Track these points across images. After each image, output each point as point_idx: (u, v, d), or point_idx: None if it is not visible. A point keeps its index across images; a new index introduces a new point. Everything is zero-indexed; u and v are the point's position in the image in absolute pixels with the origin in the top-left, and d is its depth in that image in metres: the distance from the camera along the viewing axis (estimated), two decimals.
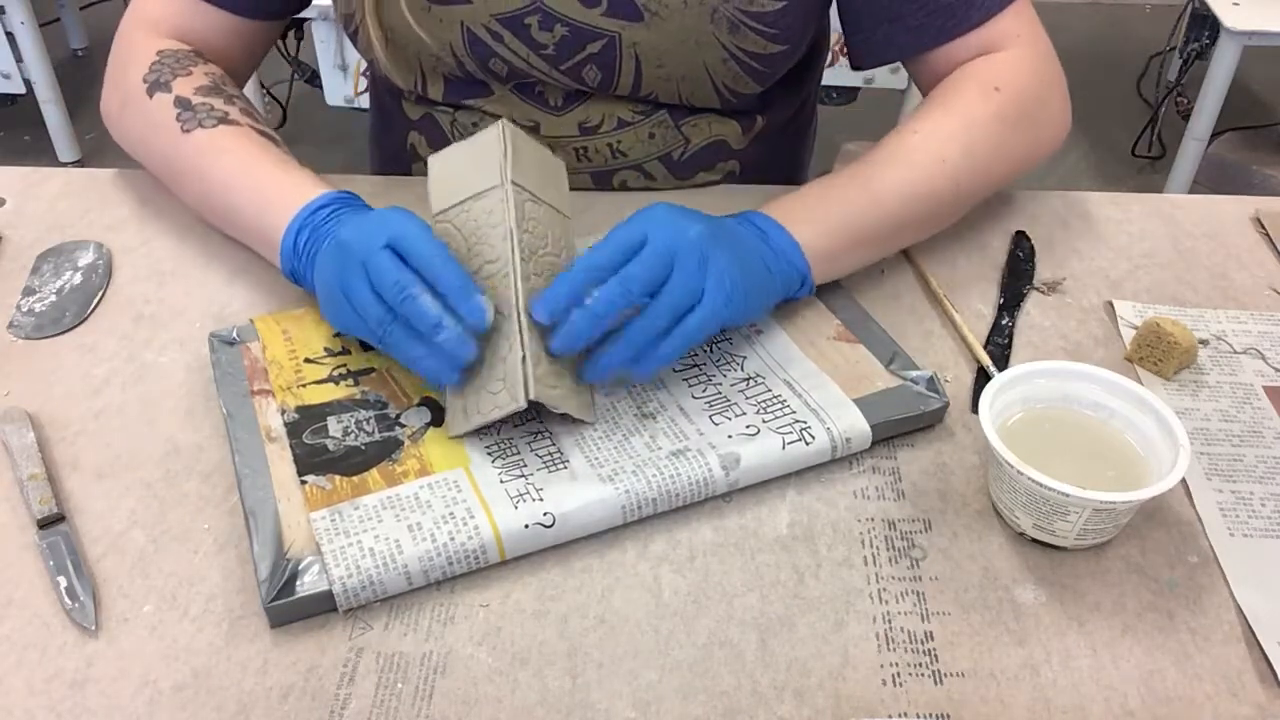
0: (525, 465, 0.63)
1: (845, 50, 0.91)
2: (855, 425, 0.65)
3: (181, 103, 0.79)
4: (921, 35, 0.80)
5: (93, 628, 0.57)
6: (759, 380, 0.69)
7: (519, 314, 0.63)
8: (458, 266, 0.61)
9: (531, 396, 0.61)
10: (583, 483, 0.61)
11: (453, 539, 0.58)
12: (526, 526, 0.59)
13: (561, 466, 0.63)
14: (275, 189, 0.74)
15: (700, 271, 0.62)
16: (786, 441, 0.64)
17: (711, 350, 0.71)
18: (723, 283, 0.63)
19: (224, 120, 0.78)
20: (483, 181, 0.67)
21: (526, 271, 0.64)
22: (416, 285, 0.61)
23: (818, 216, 0.73)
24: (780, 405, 0.67)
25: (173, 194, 0.84)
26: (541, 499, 0.60)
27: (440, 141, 0.91)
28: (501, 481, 0.62)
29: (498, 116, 0.87)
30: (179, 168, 0.80)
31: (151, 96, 0.80)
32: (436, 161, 0.70)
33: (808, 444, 0.64)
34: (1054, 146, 0.83)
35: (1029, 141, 0.81)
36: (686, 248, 0.62)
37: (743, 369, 0.70)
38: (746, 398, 0.67)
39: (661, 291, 0.62)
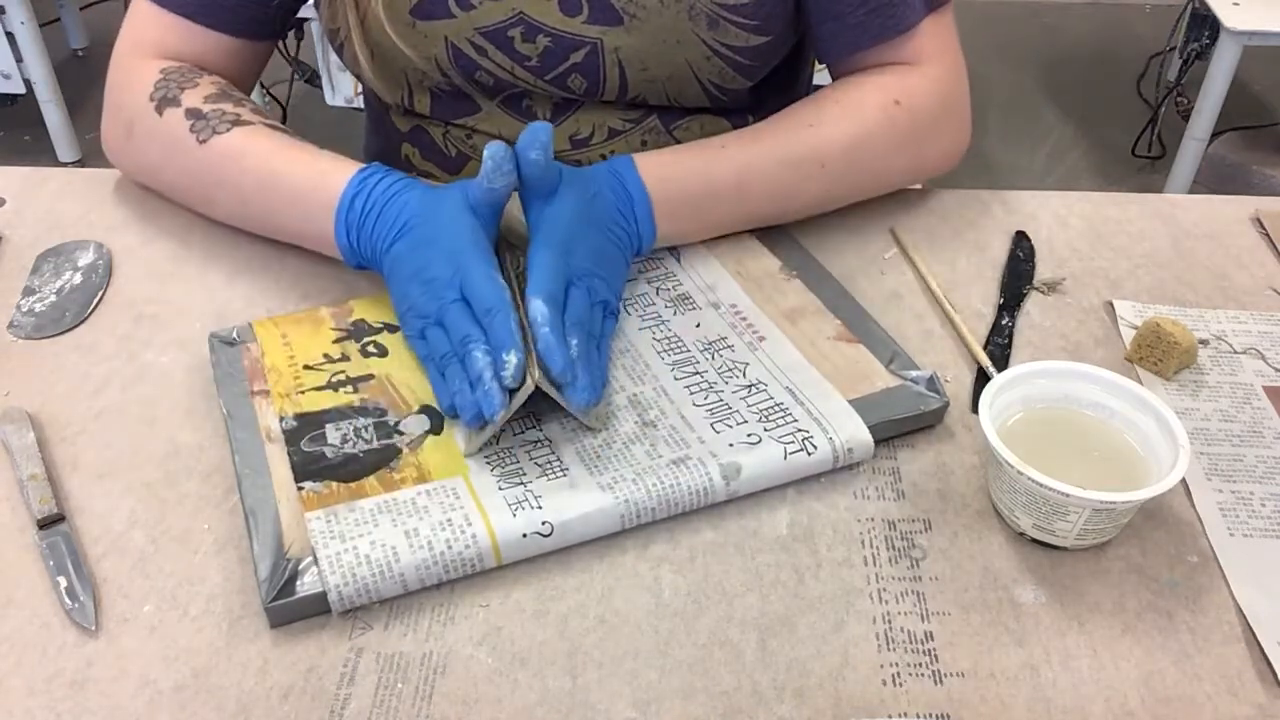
0: (524, 473, 0.63)
1: None
2: (858, 436, 0.65)
3: (193, 114, 0.78)
4: (861, 34, 0.81)
5: (93, 628, 0.57)
6: (761, 387, 0.68)
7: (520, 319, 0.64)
8: (507, 322, 0.63)
9: (536, 380, 0.61)
10: (582, 491, 0.61)
11: (450, 547, 0.58)
12: (525, 535, 0.59)
13: (560, 474, 0.63)
14: (304, 186, 0.74)
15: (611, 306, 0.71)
16: (788, 451, 0.64)
17: (713, 357, 0.71)
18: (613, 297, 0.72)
19: (237, 122, 0.77)
20: None
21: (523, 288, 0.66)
22: (480, 342, 0.63)
23: (682, 196, 0.75)
24: (782, 414, 0.66)
25: (197, 209, 0.83)
26: (540, 507, 0.60)
27: (434, 154, 0.91)
28: (500, 489, 0.61)
29: (488, 134, 0.87)
30: (206, 180, 0.79)
31: (162, 114, 0.79)
32: None
33: (810, 454, 0.64)
34: (943, 165, 0.85)
35: (913, 158, 0.83)
36: (602, 288, 0.69)
37: (744, 375, 0.69)
38: (748, 405, 0.67)
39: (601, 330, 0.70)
